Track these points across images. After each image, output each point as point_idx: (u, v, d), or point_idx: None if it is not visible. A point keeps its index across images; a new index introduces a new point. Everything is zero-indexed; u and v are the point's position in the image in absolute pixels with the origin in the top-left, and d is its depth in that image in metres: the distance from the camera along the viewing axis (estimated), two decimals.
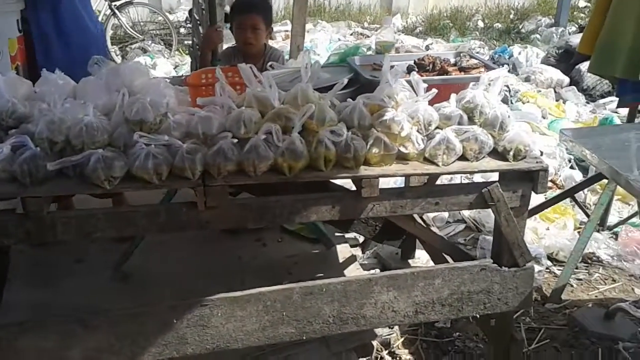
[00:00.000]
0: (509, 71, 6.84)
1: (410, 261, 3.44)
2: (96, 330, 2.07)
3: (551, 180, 4.65)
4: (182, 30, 8.29)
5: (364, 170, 2.08)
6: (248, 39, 3.21)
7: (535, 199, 4.42)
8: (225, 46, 3.80)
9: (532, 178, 2.17)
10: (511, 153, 2.16)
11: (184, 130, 2.06)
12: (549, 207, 3.79)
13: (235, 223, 2.16)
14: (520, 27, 9.50)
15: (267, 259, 3.13)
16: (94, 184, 1.94)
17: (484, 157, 2.18)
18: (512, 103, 5.91)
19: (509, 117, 2.20)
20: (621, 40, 3.27)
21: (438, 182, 2.86)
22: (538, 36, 8.79)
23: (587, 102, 6.29)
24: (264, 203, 2.08)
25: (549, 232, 3.98)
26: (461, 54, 2.74)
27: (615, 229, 3.97)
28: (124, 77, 2.20)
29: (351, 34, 8.43)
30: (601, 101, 6.25)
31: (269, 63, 2.73)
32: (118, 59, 7.51)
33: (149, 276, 2.97)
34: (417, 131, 2.17)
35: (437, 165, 2.13)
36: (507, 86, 6.07)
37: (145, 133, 1.98)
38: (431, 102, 2.24)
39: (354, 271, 3.07)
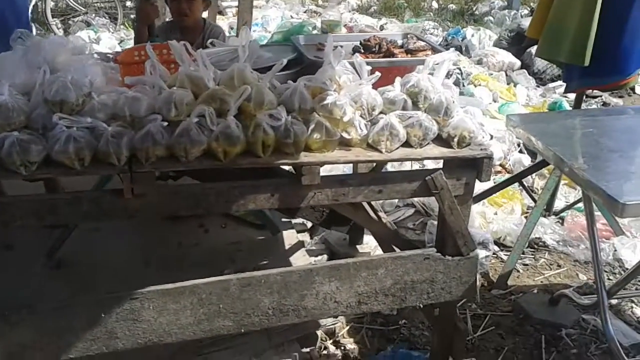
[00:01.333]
0: (461, 53, 6.85)
1: (358, 247, 3.38)
2: (19, 325, 1.93)
3: (500, 165, 4.66)
4: (128, 3, 7.97)
5: (305, 157, 1.98)
6: (182, 10, 3.08)
7: (484, 184, 4.46)
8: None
9: (477, 166, 2.11)
10: (455, 140, 2.10)
11: (110, 112, 1.91)
12: (497, 192, 3.77)
13: (166, 212, 2.03)
14: (474, 8, 9.51)
15: (209, 245, 3.02)
16: (10, 170, 1.79)
17: (428, 143, 2.11)
18: (463, 86, 5.90)
19: (454, 102, 2.13)
20: (567, 25, 3.23)
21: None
22: (491, 18, 8.81)
23: (538, 86, 6.34)
24: (198, 190, 1.97)
25: (496, 216, 3.97)
26: (408, 36, 2.66)
27: (562, 214, 3.99)
28: (46, 53, 2.03)
29: (305, 12, 8.27)
30: (551, 85, 6.30)
31: (209, 40, 2.59)
32: (60, 33, 7.17)
33: (83, 264, 2.82)
34: (361, 116, 2.08)
35: (381, 152, 2.05)
36: (459, 69, 6.05)
37: (67, 114, 1.83)
38: (376, 86, 2.15)
39: (300, 258, 3.00)
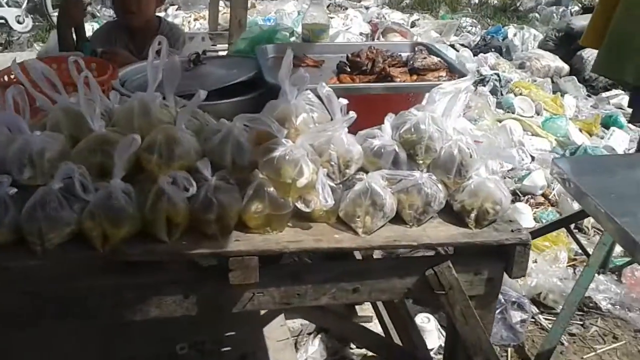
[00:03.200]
0: (500, 55, 6.02)
1: (357, 308, 2.66)
2: None
3: (543, 195, 3.87)
4: None
5: (235, 242, 1.29)
6: (127, 5, 2.41)
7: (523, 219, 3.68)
8: None
9: (505, 255, 1.38)
10: (473, 215, 1.37)
11: None
12: (537, 237, 3.02)
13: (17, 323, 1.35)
14: (518, 4, 8.59)
15: None
16: None
17: (430, 218, 1.39)
18: (502, 95, 5.10)
19: (472, 155, 1.40)
20: (637, 39, 2.47)
21: None
22: (537, 15, 7.90)
23: (589, 95, 5.46)
24: (65, 291, 1.28)
25: (536, 266, 3.20)
26: (416, 48, 1.92)
27: (617, 265, 3.19)
28: None
29: (328, 5, 7.51)
30: (604, 94, 5.41)
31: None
32: None
33: None
34: (328, 175, 1.37)
35: (356, 232, 1.34)
36: (498, 74, 5.23)
37: None
38: (356, 127, 1.44)
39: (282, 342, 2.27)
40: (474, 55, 6.00)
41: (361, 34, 6.14)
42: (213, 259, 1.32)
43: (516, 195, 3.83)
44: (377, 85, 1.68)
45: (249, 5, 7.42)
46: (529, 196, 3.83)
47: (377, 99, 1.68)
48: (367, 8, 7.35)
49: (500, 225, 1.39)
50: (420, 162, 1.41)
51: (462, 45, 6.25)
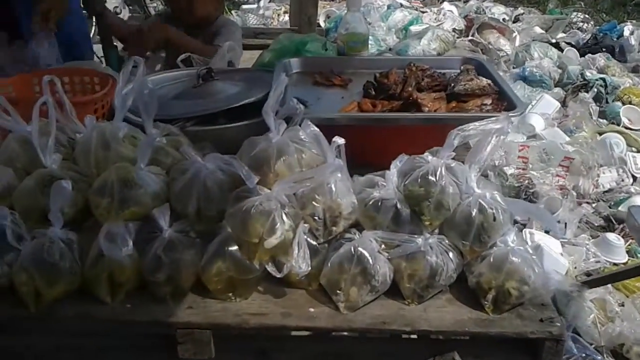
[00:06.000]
0: (612, 56, 5.38)
1: None
2: None
3: None
4: None
5: (186, 310, 1.08)
6: (179, 2, 2.26)
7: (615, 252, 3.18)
8: None
9: (532, 348, 1.07)
10: (490, 296, 1.07)
11: None
12: (622, 279, 2.60)
13: None
14: None
15: None
16: None
17: (436, 294, 1.11)
18: (607, 103, 4.53)
19: (496, 219, 1.09)
20: None
21: None
22: None
23: None
24: None
25: (623, 311, 2.76)
26: (463, 67, 1.60)
27: None
28: None
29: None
30: None
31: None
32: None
33: None
34: (311, 232, 1.12)
35: (337, 306, 1.08)
36: (603, 79, 4.65)
37: None
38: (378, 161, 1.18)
39: None
40: (581, 55, 5.41)
41: (454, 30, 5.71)
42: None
43: (609, 223, 3.35)
44: (388, 116, 1.40)
45: None
46: (625, 225, 3.33)
47: (404, 131, 1.41)
48: (466, 1, 6.85)
49: (526, 311, 1.08)
50: (427, 223, 1.12)
51: (569, 43, 5.64)
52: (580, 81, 4.69)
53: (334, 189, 1.12)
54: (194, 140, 1.37)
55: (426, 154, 1.16)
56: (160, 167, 1.19)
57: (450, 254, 1.10)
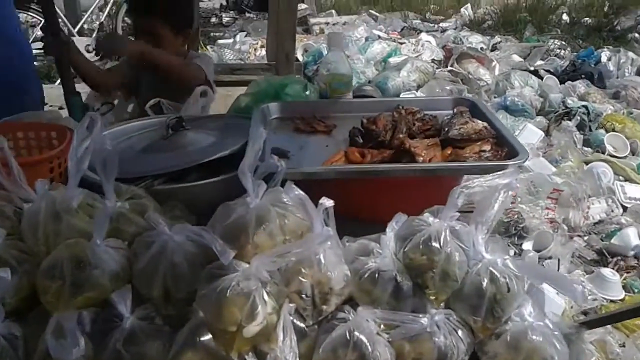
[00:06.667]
0: (592, 82, 5.36)
1: None
2: None
3: (636, 257, 3.25)
4: None
5: None
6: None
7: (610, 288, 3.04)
8: None
9: None
10: None
11: None
12: (621, 320, 2.47)
13: None
14: (616, 22, 7.77)
15: None
16: None
17: None
18: (590, 130, 4.48)
19: (509, 289, 0.95)
20: None
21: None
22: (636, 35, 7.11)
23: None
24: None
25: (624, 352, 2.63)
26: (456, 109, 1.47)
27: None
28: None
29: (402, 30, 7.03)
30: None
31: None
32: None
33: None
34: (298, 313, 0.97)
35: None
36: (586, 106, 4.60)
37: None
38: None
39: None
40: (561, 82, 5.38)
41: (433, 60, 5.66)
42: None
43: (602, 256, 3.24)
44: (379, 168, 1.26)
45: (317, 31, 7.15)
46: (619, 258, 3.21)
47: (397, 184, 1.27)
48: (443, 31, 6.83)
49: None
50: (432, 297, 0.97)
51: (548, 71, 5.62)
52: (563, 109, 4.65)
53: (322, 260, 0.97)
54: (163, 199, 1.22)
55: (426, 214, 1.02)
56: (121, 240, 1.03)
57: (460, 332, 0.96)
